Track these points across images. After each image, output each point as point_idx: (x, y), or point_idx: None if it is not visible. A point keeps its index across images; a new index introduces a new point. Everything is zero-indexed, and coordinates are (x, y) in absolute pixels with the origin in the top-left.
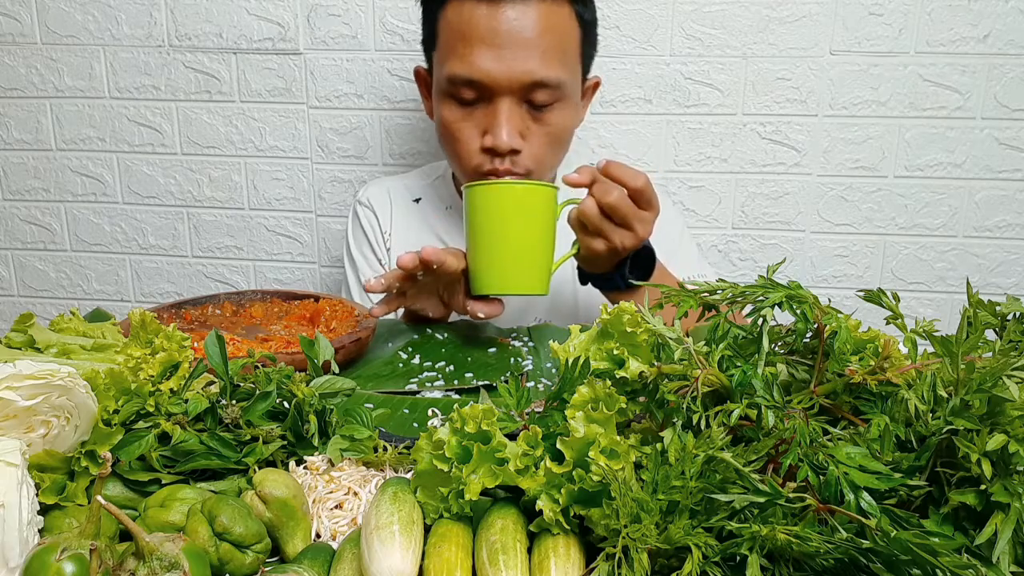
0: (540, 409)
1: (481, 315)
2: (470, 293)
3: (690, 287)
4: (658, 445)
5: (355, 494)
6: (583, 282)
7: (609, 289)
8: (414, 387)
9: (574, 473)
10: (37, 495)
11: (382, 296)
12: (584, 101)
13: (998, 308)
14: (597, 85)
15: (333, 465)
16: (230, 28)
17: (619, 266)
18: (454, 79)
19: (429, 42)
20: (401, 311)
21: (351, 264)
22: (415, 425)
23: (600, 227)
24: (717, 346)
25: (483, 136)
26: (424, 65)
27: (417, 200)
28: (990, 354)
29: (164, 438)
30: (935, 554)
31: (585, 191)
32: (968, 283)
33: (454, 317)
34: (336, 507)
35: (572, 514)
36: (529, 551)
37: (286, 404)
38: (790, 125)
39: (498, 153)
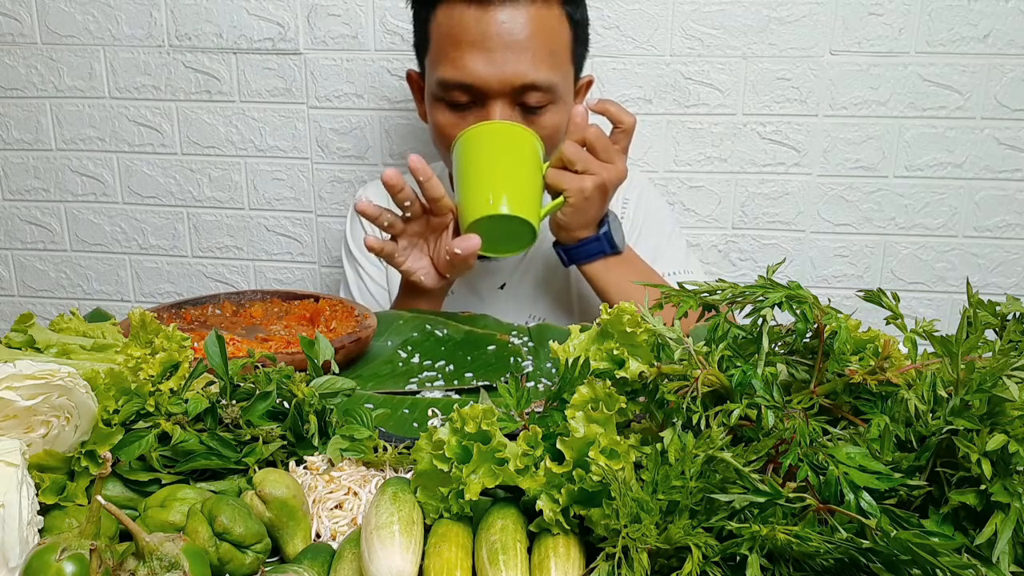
0: (540, 409)
1: (458, 251)
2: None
3: (690, 287)
4: (658, 445)
5: (355, 494)
6: (567, 263)
7: (594, 255)
8: (414, 387)
9: (574, 473)
10: (37, 495)
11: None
12: (577, 100)
13: (998, 308)
14: (590, 84)
15: (333, 465)
16: (230, 28)
17: (599, 227)
18: (446, 83)
19: (421, 46)
20: (397, 290)
21: (350, 262)
22: (415, 425)
23: (586, 164)
24: (717, 346)
25: None
26: (416, 68)
27: None
28: (990, 354)
29: (164, 438)
30: (935, 554)
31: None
32: (968, 283)
33: (450, 309)
34: (336, 507)
35: (572, 514)
36: (529, 551)
37: (286, 404)
38: (790, 125)
39: None
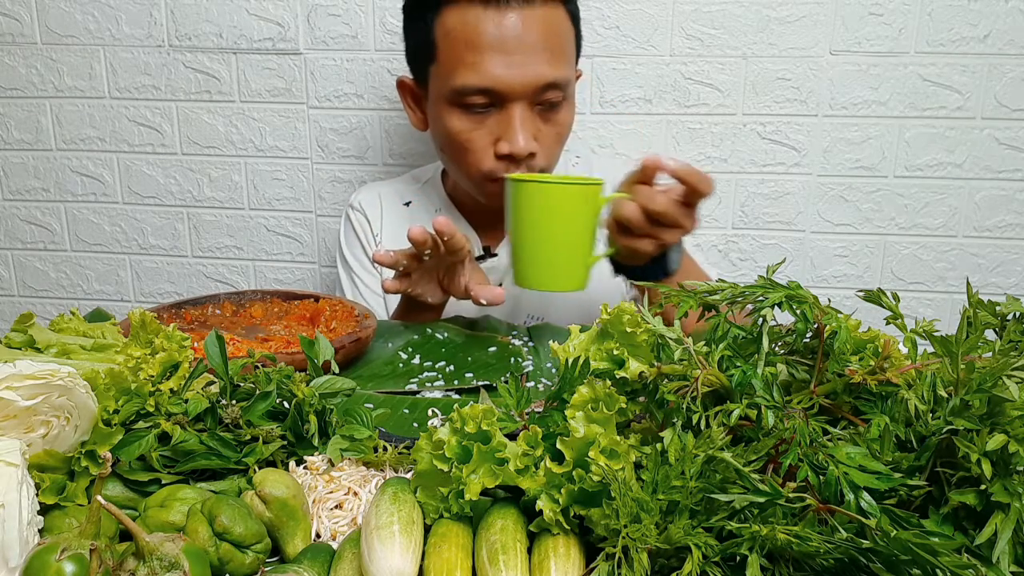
0: (540, 409)
1: (483, 301)
2: (469, 279)
3: (690, 287)
4: (658, 445)
5: (355, 494)
6: (616, 274)
7: (643, 279)
8: (414, 387)
9: (574, 473)
10: (37, 495)
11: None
12: None
13: (998, 308)
14: (579, 76)
15: (333, 465)
16: (230, 28)
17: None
18: (465, 89)
19: (423, 53)
20: (396, 303)
21: (344, 267)
22: (415, 425)
23: (649, 232)
24: (717, 346)
25: (497, 143)
26: (407, 76)
27: (407, 203)
28: (990, 354)
29: (164, 438)
30: (935, 554)
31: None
32: (968, 283)
33: (450, 313)
34: (336, 507)
35: (572, 514)
36: (529, 551)
37: (286, 404)
38: (790, 125)
39: (515, 159)
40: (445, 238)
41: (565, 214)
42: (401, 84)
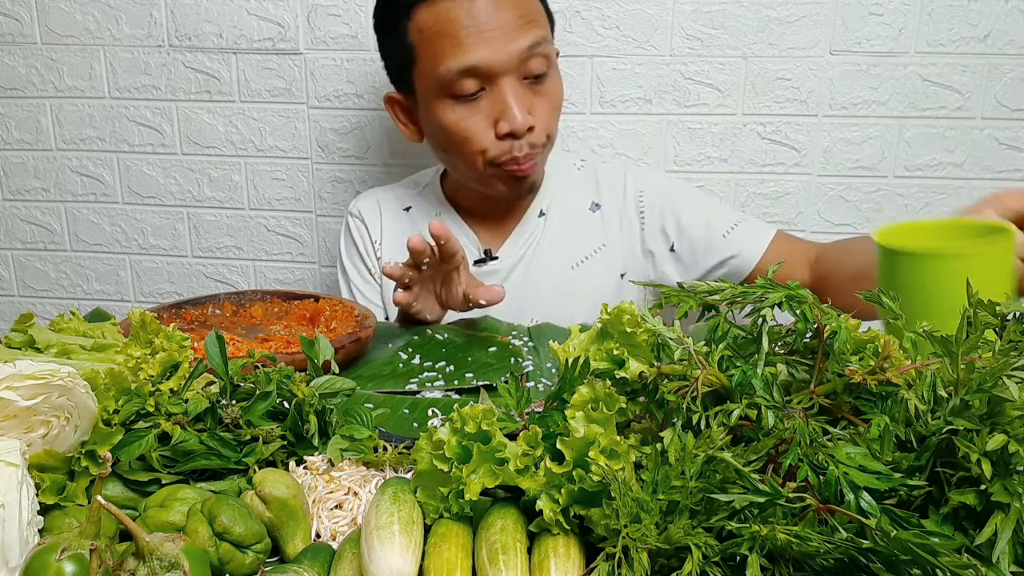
0: (540, 409)
1: (483, 302)
2: (465, 287)
3: (690, 287)
4: (658, 445)
5: (355, 494)
6: None
7: None
8: (414, 387)
9: (574, 473)
10: (37, 495)
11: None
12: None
13: (998, 308)
14: (556, 54)
15: (333, 465)
16: (230, 28)
17: None
18: (451, 73)
19: (404, 60)
20: (395, 313)
21: (343, 275)
22: (415, 425)
23: None
24: (717, 346)
25: (496, 125)
26: (392, 92)
27: (407, 209)
28: (990, 354)
29: (164, 438)
30: (935, 554)
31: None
32: (968, 283)
33: (450, 317)
34: (336, 507)
35: (572, 514)
36: (529, 551)
37: (286, 404)
38: (790, 125)
39: (517, 136)
40: (442, 242)
41: (990, 282)
42: (389, 100)
